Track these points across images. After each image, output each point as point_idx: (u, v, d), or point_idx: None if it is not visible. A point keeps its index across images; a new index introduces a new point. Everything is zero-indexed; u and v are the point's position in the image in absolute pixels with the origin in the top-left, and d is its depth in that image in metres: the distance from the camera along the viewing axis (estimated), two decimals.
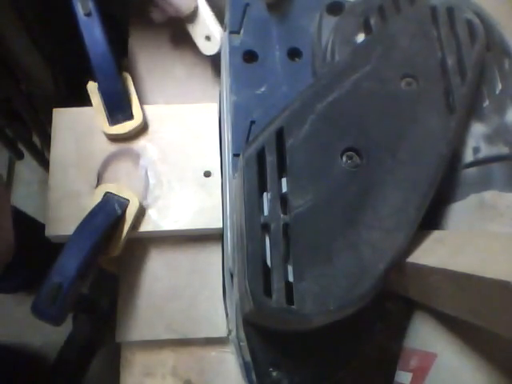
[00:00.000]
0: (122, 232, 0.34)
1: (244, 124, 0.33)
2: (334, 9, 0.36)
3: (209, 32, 0.39)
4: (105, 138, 0.38)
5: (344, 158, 0.27)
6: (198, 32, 0.40)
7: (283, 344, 0.28)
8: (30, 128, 0.83)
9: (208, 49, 0.40)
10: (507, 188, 0.27)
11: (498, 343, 0.23)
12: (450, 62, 0.30)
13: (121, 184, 0.36)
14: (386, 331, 0.30)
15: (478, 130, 0.30)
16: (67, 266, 0.30)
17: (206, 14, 0.39)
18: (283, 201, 0.26)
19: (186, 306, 0.36)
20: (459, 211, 0.28)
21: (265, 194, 0.26)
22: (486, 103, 0.30)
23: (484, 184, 0.28)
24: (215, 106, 0.40)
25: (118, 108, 0.38)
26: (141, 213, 0.36)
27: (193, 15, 0.39)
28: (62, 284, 0.30)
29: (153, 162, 0.38)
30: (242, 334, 0.28)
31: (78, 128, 0.39)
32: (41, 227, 0.35)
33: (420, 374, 0.25)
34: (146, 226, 0.36)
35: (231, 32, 0.36)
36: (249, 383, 0.30)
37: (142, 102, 0.39)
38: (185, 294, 0.37)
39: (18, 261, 0.82)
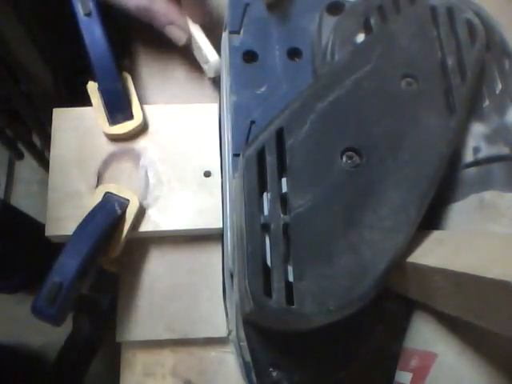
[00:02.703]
0: (121, 232, 0.34)
1: (244, 124, 0.33)
2: (334, 9, 0.36)
3: (205, 58, 0.39)
4: (105, 138, 0.38)
5: (344, 158, 0.27)
6: (198, 57, 0.41)
7: (283, 344, 0.28)
8: (29, 128, 0.83)
9: (208, 72, 0.41)
10: (507, 188, 0.27)
11: (498, 343, 0.23)
12: (450, 62, 0.30)
13: (121, 184, 0.36)
14: (386, 331, 0.30)
15: (478, 129, 0.30)
16: (67, 265, 0.30)
17: (200, 42, 0.39)
18: (283, 201, 0.26)
19: (186, 305, 0.36)
20: (459, 211, 0.28)
21: (265, 193, 0.26)
22: (486, 103, 0.30)
23: (484, 184, 0.28)
24: (215, 106, 0.40)
25: (118, 108, 0.38)
26: (141, 213, 0.36)
27: (190, 43, 0.40)
28: (62, 284, 0.30)
29: (153, 161, 0.38)
30: (242, 334, 0.28)
31: (78, 128, 0.38)
32: (41, 227, 0.35)
33: (420, 373, 0.25)
34: (146, 226, 0.36)
35: (231, 32, 0.36)
36: (249, 383, 0.30)
37: (142, 102, 0.39)
38: (185, 294, 0.37)
39: (18, 261, 0.82)
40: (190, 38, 0.40)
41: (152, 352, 0.36)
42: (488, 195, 0.27)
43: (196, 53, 0.41)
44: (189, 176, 0.38)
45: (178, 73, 0.44)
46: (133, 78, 0.40)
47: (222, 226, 0.36)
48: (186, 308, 0.36)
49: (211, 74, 0.40)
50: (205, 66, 0.40)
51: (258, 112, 0.33)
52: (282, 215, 0.25)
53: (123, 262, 0.37)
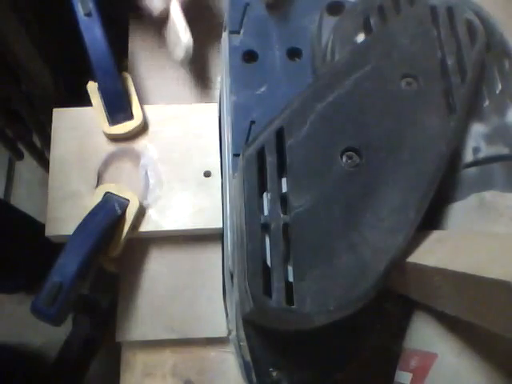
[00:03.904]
0: (122, 232, 0.34)
1: (244, 124, 0.33)
2: (334, 9, 0.36)
3: (176, 38, 0.38)
4: (105, 138, 0.38)
5: (344, 158, 0.27)
6: (169, 39, 0.39)
7: (283, 344, 0.28)
8: (30, 128, 0.83)
9: (176, 54, 0.39)
10: (507, 188, 0.27)
11: (498, 343, 0.23)
12: (450, 62, 0.30)
13: (121, 184, 0.36)
14: (386, 331, 0.30)
15: (478, 129, 0.30)
16: (67, 265, 0.30)
17: (176, 20, 0.38)
18: (283, 201, 0.26)
19: (186, 305, 0.36)
20: (459, 211, 0.28)
21: (265, 193, 0.26)
22: (486, 103, 0.30)
23: (484, 184, 0.28)
24: (215, 106, 0.40)
25: (118, 108, 0.38)
26: (141, 213, 0.36)
27: (165, 18, 0.39)
28: (62, 284, 0.30)
29: (153, 161, 0.38)
30: (242, 334, 0.28)
31: (78, 128, 0.39)
32: (41, 227, 0.35)
33: (420, 374, 0.25)
34: (146, 226, 0.36)
35: (231, 32, 0.36)
36: (249, 383, 0.30)
37: (142, 102, 0.39)
38: (185, 294, 0.37)
39: (18, 261, 0.82)
40: (165, 11, 0.38)
41: (152, 352, 0.36)
42: (488, 195, 0.27)
43: (168, 34, 0.39)
44: (189, 176, 0.38)
45: (178, 73, 0.44)
46: (133, 78, 0.40)
47: (221, 226, 0.36)
48: (186, 308, 0.36)
49: (179, 57, 0.38)
50: (175, 49, 0.39)
51: (258, 112, 0.33)
52: (281, 215, 0.25)
53: (123, 261, 0.37)
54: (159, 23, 0.42)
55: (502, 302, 0.18)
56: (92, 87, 0.39)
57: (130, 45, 0.45)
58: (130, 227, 0.35)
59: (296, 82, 0.35)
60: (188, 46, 0.37)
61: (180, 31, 0.38)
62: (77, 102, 0.40)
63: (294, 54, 0.36)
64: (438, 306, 0.24)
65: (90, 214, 0.33)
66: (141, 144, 0.38)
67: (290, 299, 0.23)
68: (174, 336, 0.35)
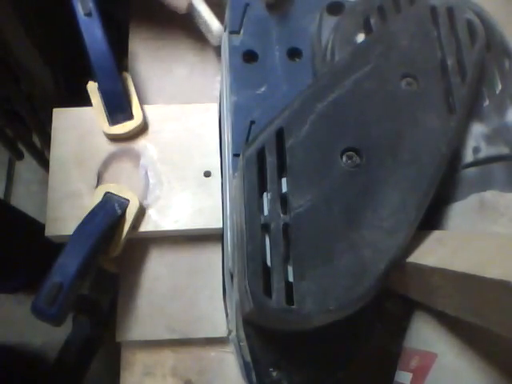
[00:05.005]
0: (122, 232, 0.34)
1: (244, 124, 0.33)
2: (334, 9, 0.36)
3: (209, 28, 0.40)
4: (105, 138, 0.38)
5: (344, 158, 0.27)
6: (201, 27, 0.42)
7: (283, 344, 0.28)
8: (30, 128, 0.83)
9: (212, 41, 0.42)
10: (507, 188, 0.27)
11: (498, 343, 0.23)
12: (450, 62, 0.30)
13: (121, 184, 0.36)
14: (386, 331, 0.30)
15: (478, 129, 0.30)
16: (67, 265, 0.30)
17: (203, 13, 0.40)
18: (283, 201, 0.26)
19: (186, 305, 0.36)
20: (459, 211, 0.28)
21: (265, 193, 0.26)
22: (486, 103, 0.30)
23: (484, 184, 0.28)
24: (215, 106, 0.40)
25: (118, 108, 0.38)
26: (141, 213, 0.36)
27: (192, 12, 0.41)
28: (62, 284, 0.30)
29: (153, 161, 0.38)
30: (242, 334, 0.28)
31: (78, 128, 0.39)
32: (41, 227, 0.35)
33: (420, 373, 0.25)
34: (146, 226, 0.36)
35: (231, 32, 0.36)
36: (249, 383, 0.30)
37: (142, 102, 0.39)
38: (185, 294, 0.37)
39: (18, 261, 0.82)
40: (190, 6, 0.40)
41: (152, 352, 0.36)
42: (488, 195, 0.27)
43: (199, 23, 0.42)
44: (189, 176, 0.38)
45: (178, 73, 0.44)
46: (133, 78, 0.40)
47: (221, 226, 0.36)
48: (186, 308, 0.36)
49: (215, 43, 0.41)
50: (208, 35, 0.41)
51: (258, 112, 0.33)
52: (281, 215, 0.25)
53: (123, 261, 0.37)
54: (160, 22, 0.42)
55: (501, 302, 0.18)
56: (92, 87, 0.39)
57: (129, 45, 0.45)
58: (129, 227, 0.35)
59: (296, 82, 0.35)
60: (219, 33, 0.40)
61: (208, 21, 0.40)
62: (77, 101, 0.40)
63: (294, 53, 0.36)
64: (438, 306, 0.24)
65: (89, 214, 0.33)
66: (141, 144, 0.38)
67: (290, 299, 0.23)
68: (174, 336, 0.35)
